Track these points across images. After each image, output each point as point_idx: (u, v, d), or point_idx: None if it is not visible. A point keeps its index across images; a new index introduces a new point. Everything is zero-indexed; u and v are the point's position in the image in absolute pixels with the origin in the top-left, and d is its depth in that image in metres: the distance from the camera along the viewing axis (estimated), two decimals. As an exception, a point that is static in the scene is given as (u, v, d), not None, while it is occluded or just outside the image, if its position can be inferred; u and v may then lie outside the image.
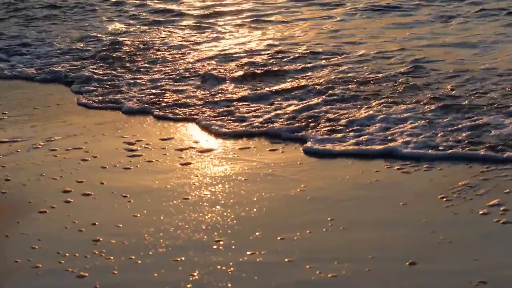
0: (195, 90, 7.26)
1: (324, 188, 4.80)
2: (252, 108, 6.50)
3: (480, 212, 4.27)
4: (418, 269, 3.70)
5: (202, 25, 10.71)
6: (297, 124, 5.97)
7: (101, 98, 7.22)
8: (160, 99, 6.98)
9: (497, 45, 8.42)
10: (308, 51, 8.51)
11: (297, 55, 8.34)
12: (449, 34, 9.21)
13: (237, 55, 8.61)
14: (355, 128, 5.81)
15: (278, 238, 4.09)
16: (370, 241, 4.01)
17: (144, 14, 11.96)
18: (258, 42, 9.32)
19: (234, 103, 6.70)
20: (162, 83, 7.56)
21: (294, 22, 10.60)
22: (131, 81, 7.71)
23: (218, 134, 5.96)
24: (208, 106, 6.69)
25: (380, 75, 7.29)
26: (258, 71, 7.72)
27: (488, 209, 4.30)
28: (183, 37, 9.86)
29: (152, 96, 7.10)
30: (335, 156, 5.36)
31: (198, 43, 9.42)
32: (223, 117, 6.30)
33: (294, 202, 4.61)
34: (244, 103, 6.68)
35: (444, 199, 4.48)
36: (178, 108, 6.68)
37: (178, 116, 6.48)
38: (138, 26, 10.94)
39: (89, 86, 7.64)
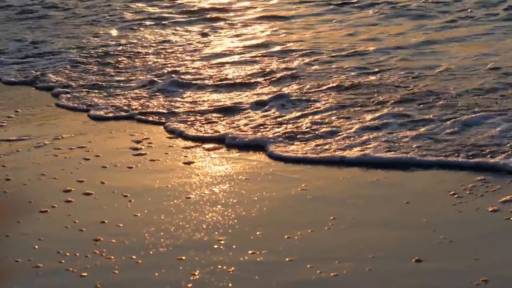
0: (193, 91, 7.24)
1: (325, 187, 4.79)
2: (248, 113, 6.44)
3: (490, 209, 4.24)
4: (420, 268, 3.68)
5: (199, 26, 10.72)
6: (290, 130, 5.84)
7: (99, 99, 7.21)
8: (158, 100, 6.98)
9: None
10: (305, 52, 8.47)
11: (293, 57, 8.31)
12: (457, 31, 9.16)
13: (233, 57, 8.57)
14: (354, 132, 5.67)
15: (279, 237, 4.08)
16: (371, 240, 4.00)
17: (142, 14, 11.99)
18: (258, 43, 9.31)
19: (231, 106, 6.64)
20: (160, 84, 7.54)
21: (292, 22, 10.60)
22: (127, 83, 7.71)
23: (215, 137, 5.90)
24: (208, 107, 6.67)
25: (380, 77, 7.26)
26: (256, 75, 7.69)
27: (499, 205, 4.26)
28: (179, 39, 9.85)
29: (150, 97, 7.11)
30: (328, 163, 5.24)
31: (195, 45, 9.40)
32: (223, 119, 6.28)
33: (295, 202, 4.60)
34: (241, 106, 6.63)
35: (455, 196, 4.45)
36: (174, 110, 6.65)
37: (174, 118, 6.43)
38: (135, 28, 10.94)
39: (84, 88, 7.62)
